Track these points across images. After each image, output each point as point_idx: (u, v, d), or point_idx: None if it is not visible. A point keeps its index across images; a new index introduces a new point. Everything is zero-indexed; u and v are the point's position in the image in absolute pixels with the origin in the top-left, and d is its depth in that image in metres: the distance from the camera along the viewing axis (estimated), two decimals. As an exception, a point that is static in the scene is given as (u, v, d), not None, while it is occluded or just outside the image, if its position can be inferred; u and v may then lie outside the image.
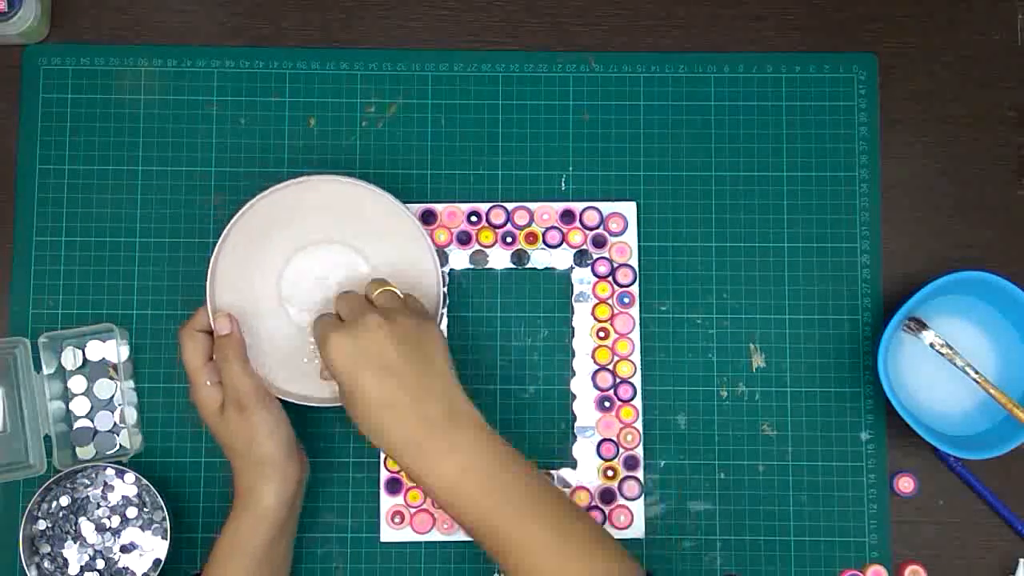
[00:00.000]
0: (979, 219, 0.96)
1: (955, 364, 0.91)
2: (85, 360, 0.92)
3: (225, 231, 0.85)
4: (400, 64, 0.96)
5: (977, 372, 0.90)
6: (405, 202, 0.94)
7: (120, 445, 0.92)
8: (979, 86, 0.97)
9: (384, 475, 0.92)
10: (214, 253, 0.85)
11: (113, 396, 0.92)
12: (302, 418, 0.92)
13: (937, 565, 0.92)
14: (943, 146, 0.96)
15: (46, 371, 0.90)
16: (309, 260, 0.89)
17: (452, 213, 0.94)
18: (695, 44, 0.97)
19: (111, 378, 0.92)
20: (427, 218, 0.94)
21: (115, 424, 0.92)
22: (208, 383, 0.83)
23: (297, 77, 0.96)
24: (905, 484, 0.92)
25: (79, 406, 0.92)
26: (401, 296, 0.82)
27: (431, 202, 0.94)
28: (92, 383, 0.92)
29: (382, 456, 0.92)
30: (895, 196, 0.96)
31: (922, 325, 0.91)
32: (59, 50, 0.95)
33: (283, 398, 0.85)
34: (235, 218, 0.85)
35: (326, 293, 0.89)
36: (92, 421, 0.92)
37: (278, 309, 0.89)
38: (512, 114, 0.96)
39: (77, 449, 0.92)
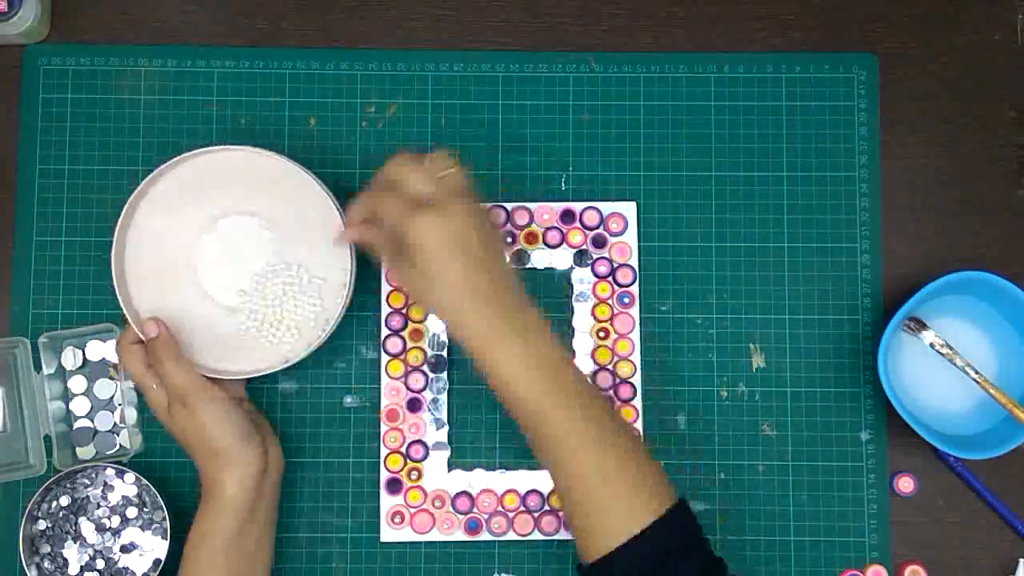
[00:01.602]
0: (979, 219, 0.96)
1: (955, 364, 0.91)
2: (85, 360, 0.92)
3: (116, 231, 0.85)
4: (400, 64, 0.96)
5: (977, 372, 0.90)
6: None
7: (120, 445, 0.92)
8: (979, 86, 0.97)
9: (384, 475, 0.92)
10: (112, 258, 0.85)
11: (113, 396, 0.92)
12: (301, 419, 0.92)
13: (937, 565, 0.92)
14: (943, 146, 0.96)
15: (46, 371, 0.90)
16: (217, 239, 0.89)
17: (452, 213, 0.94)
18: (695, 44, 0.97)
19: (111, 378, 0.92)
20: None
21: (115, 424, 0.92)
22: (154, 386, 0.84)
23: (297, 77, 0.96)
24: (905, 484, 0.92)
25: (79, 406, 0.92)
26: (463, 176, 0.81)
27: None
28: (92, 383, 0.92)
29: (382, 456, 0.92)
30: (895, 196, 0.96)
31: (922, 325, 0.91)
32: (59, 50, 0.95)
33: (221, 377, 0.85)
34: (123, 215, 0.85)
35: (241, 266, 0.89)
36: (92, 421, 0.92)
37: (194, 292, 0.89)
38: (512, 114, 0.96)
39: (77, 449, 0.92)
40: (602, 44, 0.97)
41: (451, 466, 0.92)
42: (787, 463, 0.93)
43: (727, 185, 0.95)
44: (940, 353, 0.91)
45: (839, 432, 0.93)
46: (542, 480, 0.92)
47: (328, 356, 0.93)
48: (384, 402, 0.92)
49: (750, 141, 0.96)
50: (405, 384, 0.92)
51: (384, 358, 0.93)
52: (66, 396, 0.92)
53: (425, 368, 0.93)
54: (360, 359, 0.93)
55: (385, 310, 0.93)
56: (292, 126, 0.95)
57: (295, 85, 0.96)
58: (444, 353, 0.93)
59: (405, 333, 0.93)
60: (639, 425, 0.92)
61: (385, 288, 0.93)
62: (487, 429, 0.93)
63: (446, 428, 0.92)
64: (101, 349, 0.92)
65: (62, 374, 0.92)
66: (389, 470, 0.92)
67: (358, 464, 0.92)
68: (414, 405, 0.92)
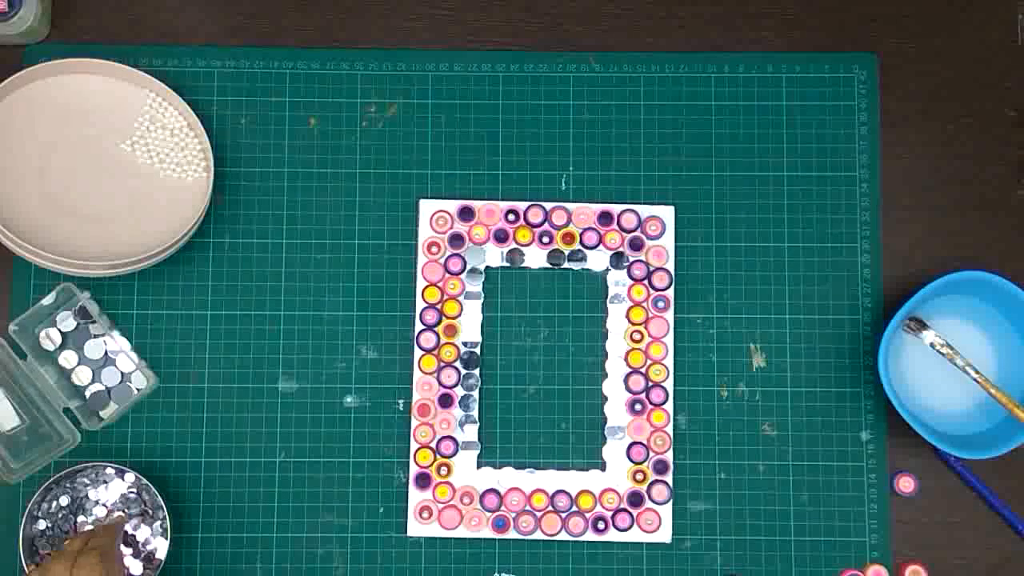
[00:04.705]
0: (979, 219, 0.96)
1: (955, 364, 0.91)
2: (64, 336, 0.92)
3: None
4: (400, 64, 0.96)
5: (977, 372, 0.90)
6: (405, 201, 0.94)
7: (137, 389, 0.91)
8: (979, 86, 0.97)
9: (414, 470, 0.91)
10: None
11: (106, 351, 0.92)
12: (301, 419, 0.92)
13: (937, 565, 0.92)
14: (943, 146, 0.97)
15: (31, 355, 0.90)
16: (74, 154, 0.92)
17: (490, 211, 0.94)
18: (695, 44, 0.97)
19: (95, 336, 0.92)
20: (464, 214, 0.93)
21: (122, 375, 0.92)
22: None
23: (297, 77, 0.96)
24: (905, 484, 0.93)
25: (81, 376, 0.92)
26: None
27: (471, 199, 0.94)
28: (81, 351, 0.92)
29: (412, 451, 0.92)
30: (895, 196, 0.96)
31: (922, 325, 0.91)
32: (59, 50, 0.95)
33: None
34: None
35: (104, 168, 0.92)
36: (101, 383, 0.92)
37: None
38: (511, 114, 0.96)
39: (101, 413, 0.92)
40: (602, 44, 0.97)
41: (480, 463, 0.92)
42: (787, 463, 0.93)
43: (727, 185, 0.95)
44: (940, 353, 0.91)
45: (839, 432, 0.93)
46: (570, 480, 0.92)
47: (328, 356, 0.93)
48: (416, 397, 0.92)
49: (750, 141, 0.96)
50: (437, 380, 0.92)
51: (417, 353, 0.92)
52: (66, 373, 0.92)
53: (457, 364, 0.92)
54: (360, 359, 0.93)
55: (420, 305, 0.93)
56: (292, 126, 0.95)
57: (295, 85, 0.96)
58: (477, 350, 0.93)
59: (439, 328, 0.93)
60: (670, 429, 0.92)
61: (421, 283, 0.93)
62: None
63: (476, 425, 0.92)
64: (70, 318, 0.92)
65: (51, 356, 0.92)
66: (419, 465, 0.92)
67: (358, 464, 0.92)
68: (445, 401, 0.92)
